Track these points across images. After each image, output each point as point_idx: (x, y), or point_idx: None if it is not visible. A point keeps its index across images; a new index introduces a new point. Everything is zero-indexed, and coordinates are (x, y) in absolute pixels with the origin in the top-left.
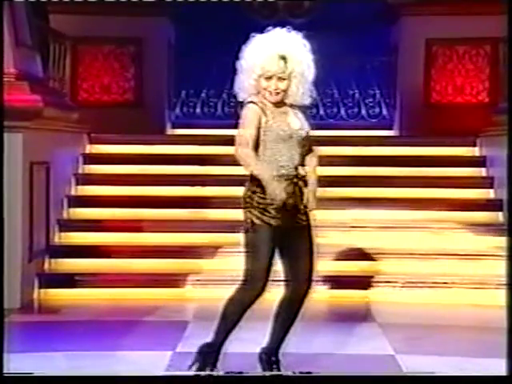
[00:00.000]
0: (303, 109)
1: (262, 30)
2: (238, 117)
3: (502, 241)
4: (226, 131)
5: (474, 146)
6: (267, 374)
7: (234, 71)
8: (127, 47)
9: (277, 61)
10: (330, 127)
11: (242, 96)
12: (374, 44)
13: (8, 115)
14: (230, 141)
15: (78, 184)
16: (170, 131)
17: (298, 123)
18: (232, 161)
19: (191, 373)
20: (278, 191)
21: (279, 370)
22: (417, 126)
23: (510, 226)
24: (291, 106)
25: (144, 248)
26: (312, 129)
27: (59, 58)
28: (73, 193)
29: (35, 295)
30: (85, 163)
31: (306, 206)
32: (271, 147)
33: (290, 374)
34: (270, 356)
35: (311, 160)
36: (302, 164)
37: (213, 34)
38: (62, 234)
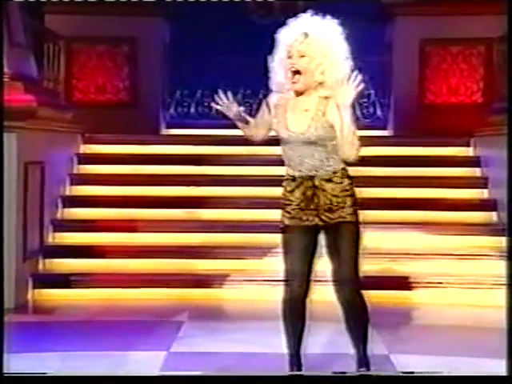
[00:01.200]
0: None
1: (256, 30)
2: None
3: (497, 241)
4: (220, 131)
5: (468, 146)
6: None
7: (228, 71)
8: (122, 47)
9: (297, 35)
10: None
11: (272, 80)
12: (368, 44)
13: (4, 117)
14: (224, 141)
15: (72, 184)
16: (164, 131)
17: (304, 125)
18: (226, 161)
19: (188, 373)
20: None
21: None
22: (411, 126)
23: (510, 225)
24: (326, 98)
25: (138, 248)
26: None
27: (53, 58)
28: (67, 193)
29: (29, 296)
30: (79, 163)
31: (337, 205)
32: (282, 148)
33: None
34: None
35: None
36: (328, 165)
37: (208, 34)
38: (57, 234)
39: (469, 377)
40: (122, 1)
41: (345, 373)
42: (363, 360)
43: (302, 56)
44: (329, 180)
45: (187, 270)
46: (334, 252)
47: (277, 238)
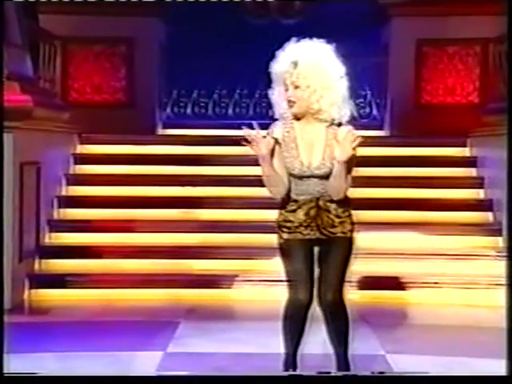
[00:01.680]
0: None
1: (252, 31)
2: (228, 117)
3: (492, 241)
4: (216, 131)
5: (465, 146)
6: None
7: (224, 71)
8: (118, 47)
9: (288, 65)
10: None
11: (276, 112)
12: (365, 45)
13: None
14: (220, 141)
15: (68, 184)
16: (160, 131)
17: (318, 158)
18: (222, 161)
19: (186, 373)
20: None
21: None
22: (407, 127)
23: (510, 226)
24: (331, 125)
25: (134, 248)
26: None
27: (49, 58)
28: (63, 193)
29: (25, 296)
30: (75, 163)
31: (339, 220)
32: (290, 180)
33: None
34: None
35: None
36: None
37: (204, 35)
38: (53, 234)
39: (469, 377)
40: (118, 1)
41: (344, 373)
42: (343, 364)
43: (297, 87)
44: (332, 201)
45: (183, 271)
46: (327, 260)
47: (272, 238)
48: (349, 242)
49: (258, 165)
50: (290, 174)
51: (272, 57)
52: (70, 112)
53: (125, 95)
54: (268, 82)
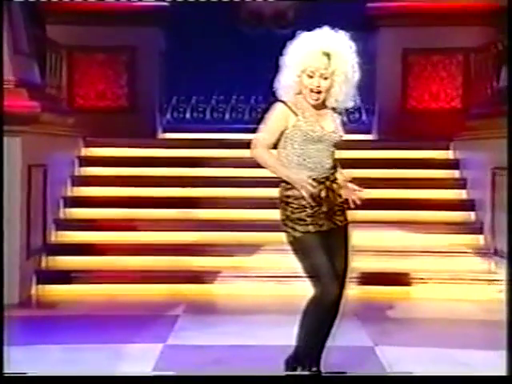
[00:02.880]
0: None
1: (248, 40)
2: (225, 122)
3: (474, 238)
4: (214, 135)
5: (448, 149)
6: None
7: (222, 78)
8: (120, 56)
9: (320, 57)
10: None
11: (281, 94)
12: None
13: (7, 120)
14: (218, 144)
15: (73, 185)
16: (161, 135)
17: (332, 126)
18: (220, 163)
19: (185, 373)
20: (304, 183)
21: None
22: (394, 131)
23: (510, 225)
24: (333, 109)
25: (136, 246)
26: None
27: (56, 66)
28: (69, 194)
29: (33, 291)
30: (80, 165)
31: (342, 207)
32: (300, 148)
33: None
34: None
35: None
36: (334, 167)
37: (202, 43)
38: (59, 232)
39: (469, 377)
40: (120, 12)
41: (344, 373)
42: (318, 360)
43: (326, 78)
44: (333, 181)
45: (182, 267)
46: (333, 251)
47: (266, 236)
48: (348, 230)
49: (253, 167)
50: (306, 141)
51: (266, 65)
52: (75, 117)
53: (127, 101)
54: (263, 88)
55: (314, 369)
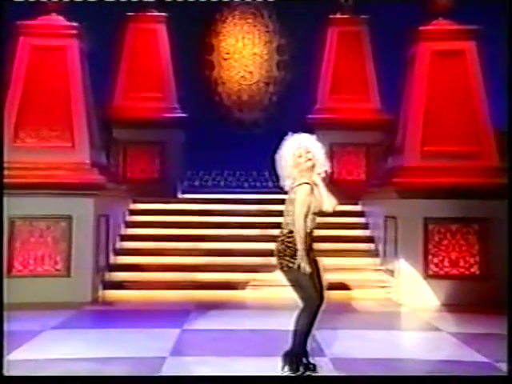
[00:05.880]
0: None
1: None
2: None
3: (374, 260)
4: (214, 196)
5: (357, 204)
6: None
7: (227, 162)
8: (155, 148)
9: (302, 143)
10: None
11: (285, 183)
12: None
13: (85, 189)
14: (221, 201)
15: (126, 227)
16: (180, 195)
17: (327, 198)
18: (223, 213)
19: (187, 374)
20: (307, 268)
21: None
22: None
23: (510, 228)
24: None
25: (164, 266)
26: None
27: (116, 154)
28: (122, 232)
29: (100, 294)
30: (130, 215)
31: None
32: (311, 219)
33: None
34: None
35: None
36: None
37: (212, 138)
38: (117, 257)
39: (469, 377)
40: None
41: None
42: (306, 352)
43: (308, 152)
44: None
45: (193, 279)
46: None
47: (255, 260)
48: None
49: (245, 215)
50: (318, 212)
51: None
52: (127, 185)
53: (159, 175)
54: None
55: (306, 361)
